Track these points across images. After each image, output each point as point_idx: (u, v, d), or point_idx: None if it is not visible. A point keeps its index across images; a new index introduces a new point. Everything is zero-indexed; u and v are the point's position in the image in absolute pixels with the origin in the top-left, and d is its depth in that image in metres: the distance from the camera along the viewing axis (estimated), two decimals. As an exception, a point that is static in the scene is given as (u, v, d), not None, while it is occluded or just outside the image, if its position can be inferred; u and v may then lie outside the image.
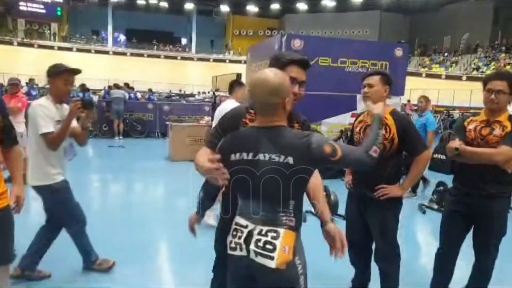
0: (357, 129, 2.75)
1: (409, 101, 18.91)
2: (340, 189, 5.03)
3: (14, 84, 5.95)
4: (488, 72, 31.51)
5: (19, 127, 5.36)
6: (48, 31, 39.91)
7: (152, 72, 34.84)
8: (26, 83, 15.85)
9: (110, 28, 41.83)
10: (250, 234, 1.56)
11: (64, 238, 3.12)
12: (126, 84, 12.92)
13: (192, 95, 24.72)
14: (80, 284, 3.08)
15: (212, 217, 4.37)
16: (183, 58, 40.65)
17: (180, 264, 3.63)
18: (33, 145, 2.88)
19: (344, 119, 7.27)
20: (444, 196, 5.38)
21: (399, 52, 7.43)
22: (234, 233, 1.62)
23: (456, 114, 17.54)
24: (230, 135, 1.74)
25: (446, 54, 37.41)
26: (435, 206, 5.43)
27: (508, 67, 31.29)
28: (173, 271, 3.55)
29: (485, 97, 2.54)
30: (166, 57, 39.90)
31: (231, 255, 1.63)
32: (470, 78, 31.13)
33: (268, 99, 1.57)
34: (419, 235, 4.96)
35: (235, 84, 4.57)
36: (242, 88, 4.45)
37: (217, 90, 10.42)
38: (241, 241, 1.57)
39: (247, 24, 43.94)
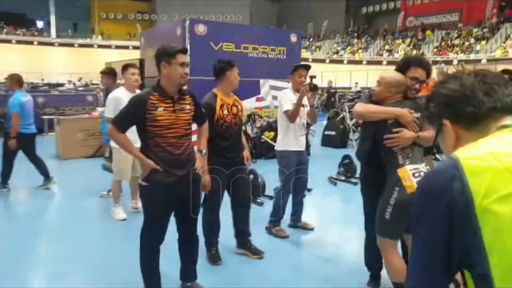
0: None
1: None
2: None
3: None
4: (346, 55, 35.62)
5: None
6: None
7: (2, 59, 30.05)
8: None
9: None
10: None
11: None
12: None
13: (60, 84, 22.15)
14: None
15: (121, 211, 4.48)
16: (41, 43, 35.83)
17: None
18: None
19: (250, 104, 7.49)
20: (350, 168, 6.05)
21: (294, 38, 7.93)
22: (416, 174, 2.25)
23: (325, 94, 19.45)
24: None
25: (311, 39, 40.82)
26: (342, 178, 6.07)
27: (360, 51, 35.82)
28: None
29: (407, 84, 2.52)
30: (19, 42, 34.72)
31: None
32: (332, 61, 34.75)
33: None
34: (338, 204, 5.49)
35: (123, 70, 4.40)
36: (128, 72, 4.29)
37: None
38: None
39: (115, 7, 40.83)
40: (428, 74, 2.60)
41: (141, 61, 6.76)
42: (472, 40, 29.27)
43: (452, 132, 0.95)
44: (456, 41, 30.23)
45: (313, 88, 3.62)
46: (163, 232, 2.60)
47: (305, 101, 3.73)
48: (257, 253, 3.49)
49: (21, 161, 5.71)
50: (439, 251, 0.81)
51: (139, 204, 4.47)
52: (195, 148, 2.77)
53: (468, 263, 0.79)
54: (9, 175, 5.53)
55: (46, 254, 3.62)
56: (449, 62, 23.40)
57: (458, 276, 0.87)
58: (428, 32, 33.14)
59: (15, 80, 5.41)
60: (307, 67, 3.86)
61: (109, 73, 5.21)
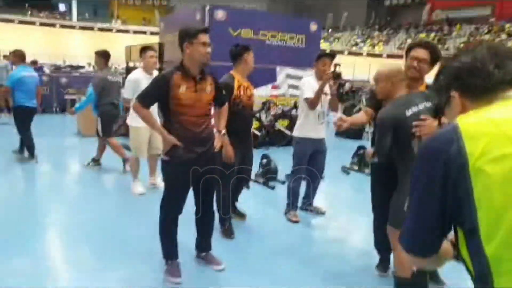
0: None
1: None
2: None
3: None
4: (365, 48, 35.15)
5: None
6: None
7: (26, 41, 30.64)
8: None
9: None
10: None
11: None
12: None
13: (80, 66, 22.51)
14: None
15: (140, 186, 4.63)
16: (63, 26, 36.42)
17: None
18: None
19: (266, 91, 7.54)
20: (364, 159, 6.08)
21: (314, 26, 7.90)
22: None
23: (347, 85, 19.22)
24: (394, 103, 2.39)
25: (330, 30, 40.38)
26: (356, 168, 6.12)
27: (380, 43, 35.29)
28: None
29: (407, 64, 2.56)
30: (43, 24, 35.34)
31: None
32: (351, 53, 34.34)
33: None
34: (350, 192, 5.55)
35: (141, 53, 4.60)
36: (147, 54, 4.47)
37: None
38: None
39: (134, -8, 41.16)
40: (433, 55, 2.53)
41: (161, 45, 6.86)
42: (504, 36, 27.63)
43: (459, 104, 0.98)
44: (486, 37, 28.42)
45: (336, 76, 3.63)
46: (181, 204, 2.74)
47: (327, 89, 3.76)
48: (241, 215, 3.90)
49: (43, 137, 5.94)
50: (434, 207, 0.88)
51: (158, 180, 4.63)
52: (214, 129, 2.90)
53: (459, 219, 0.86)
54: (32, 146, 5.76)
55: (62, 224, 3.78)
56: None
57: (451, 236, 0.94)
58: (458, 26, 31.86)
59: (18, 56, 5.68)
60: (332, 56, 3.87)
61: (102, 54, 5.39)
